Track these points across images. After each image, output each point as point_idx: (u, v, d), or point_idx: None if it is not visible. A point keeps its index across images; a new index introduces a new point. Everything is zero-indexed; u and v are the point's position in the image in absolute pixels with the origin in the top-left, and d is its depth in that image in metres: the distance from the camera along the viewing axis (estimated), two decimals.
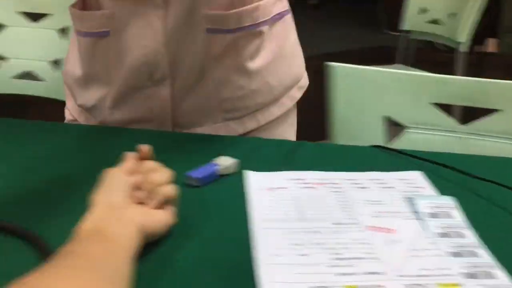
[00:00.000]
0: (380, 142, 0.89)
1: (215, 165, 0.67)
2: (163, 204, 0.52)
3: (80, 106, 0.88)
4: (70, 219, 0.49)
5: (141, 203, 0.51)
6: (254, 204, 0.61)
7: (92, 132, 0.84)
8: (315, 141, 0.80)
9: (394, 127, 0.95)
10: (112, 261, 0.41)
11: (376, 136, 0.93)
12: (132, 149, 0.58)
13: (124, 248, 0.44)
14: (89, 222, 0.46)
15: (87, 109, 0.86)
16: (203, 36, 0.77)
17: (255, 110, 0.84)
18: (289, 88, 0.88)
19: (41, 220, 0.56)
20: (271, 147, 0.78)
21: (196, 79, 0.80)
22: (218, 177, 0.66)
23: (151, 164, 0.55)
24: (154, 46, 0.77)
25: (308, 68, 0.94)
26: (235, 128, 0.84)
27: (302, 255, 0.51)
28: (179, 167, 0.60)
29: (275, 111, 0.86)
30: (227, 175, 0.67)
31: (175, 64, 0.78)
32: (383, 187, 0.66)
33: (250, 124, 0.85)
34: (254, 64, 0.81)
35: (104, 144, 0.77)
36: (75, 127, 0.87)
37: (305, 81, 0.92)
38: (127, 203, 0.49)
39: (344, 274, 0.48)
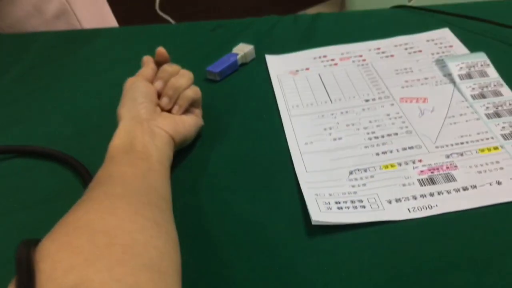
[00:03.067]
0: (401, 2, 0.83)
1: (234, 55, 0.64)
2: (188, 107, 0.51)
3: None
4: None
5: (166, 110, 0.50)
6: (279, 91, 0.59)
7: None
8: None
9: None
10: (151, 180, 0.40)
11: None
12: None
13: (159, 161, 0.43)
14: (119, 138, 0.44)
15: None
16: None
17: None
18: None
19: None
20: (286, 24, 0.74)
21: None
22: (238, 68, 0.64)
23: (170, 67, 0.52)
24: None
25: None
26: None
27: (336, 139, 0.51)
28: (195, 63, 0.58)
29: None
30: (246, 63, 0.65)
31: None
32: (410, 52, 0.63)
33: None
34: None
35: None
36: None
37: None
38: (154, 113, 0.48)
39: (381, 153, 0.48)
